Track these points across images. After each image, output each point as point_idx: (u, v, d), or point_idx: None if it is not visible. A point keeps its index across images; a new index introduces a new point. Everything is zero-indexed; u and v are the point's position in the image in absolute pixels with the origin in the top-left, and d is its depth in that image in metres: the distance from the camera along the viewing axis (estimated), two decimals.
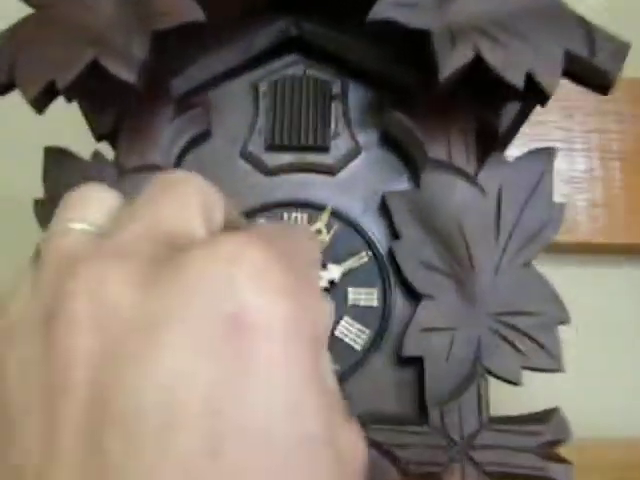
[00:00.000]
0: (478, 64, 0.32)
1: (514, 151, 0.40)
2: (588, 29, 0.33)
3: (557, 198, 0.46)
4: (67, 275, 0.19)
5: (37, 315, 0.19)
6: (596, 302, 0.58)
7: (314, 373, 0.19)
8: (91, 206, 0.22)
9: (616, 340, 0.59)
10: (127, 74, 0.32)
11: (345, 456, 0.20)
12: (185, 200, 0.21)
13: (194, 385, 0.17)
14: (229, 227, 0.24)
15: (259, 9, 0.38)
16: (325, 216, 0.36)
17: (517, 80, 0.32)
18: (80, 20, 0.34)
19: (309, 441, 0.18)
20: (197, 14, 0.33)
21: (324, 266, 0.35)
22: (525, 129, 0.41)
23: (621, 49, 0.33)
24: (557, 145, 0.56)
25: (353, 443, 0.21)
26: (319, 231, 0.35)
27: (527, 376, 0.35)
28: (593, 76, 0.33)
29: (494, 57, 0.32)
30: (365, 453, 0.22)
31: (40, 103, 0.33)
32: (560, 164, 0.57)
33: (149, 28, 0.33)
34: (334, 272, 0.35)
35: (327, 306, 0.21)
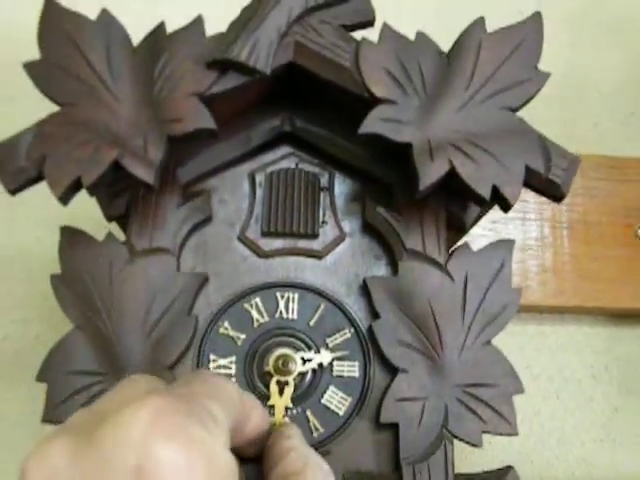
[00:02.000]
0: (452, 175, 0.38)
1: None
2: (545, 147, 0.39)
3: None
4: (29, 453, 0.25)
5: None
6: (543, 356, 0.64)
7: None
8: None
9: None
10: (146, 175, 0.37)
11: None
12: (126, 391, 0.28)
13: None
14: None
15: (255, 106, 0.43)
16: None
17: (484, 192, 0.37)
18: (102, 121, 0.38)
19: None
20: (208, 122, 0.38)
21: (318, 349, 0.40)
22: None
23: (573, 164, 0.39)
24: (512, 214, 0.62)
25: None
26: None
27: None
28: (549, 188, 0.39)
29: (466, 171, 0.37)
30: None
31: (66, 198, 0.37)
32: (516, 233, 0.63)
33: (164, 133, 0.37)
34: (326, 357, 0.40)
35: (223, 440, 0.26)
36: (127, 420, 0.24)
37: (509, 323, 0.57)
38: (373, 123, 0.38)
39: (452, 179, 0.38)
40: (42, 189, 0.38)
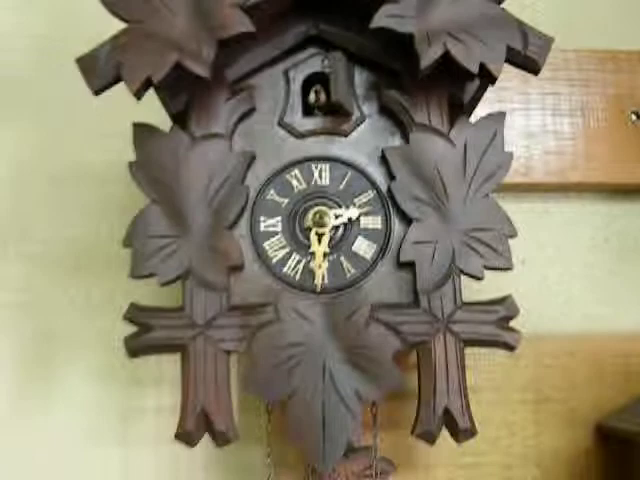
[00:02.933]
0: (447, 57, 0.46)
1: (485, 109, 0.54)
2: (523, 30, 0.47)
3: (516, 149, 0.60)
4: None
5: None
6: (549, 231, 0.73)
7: None
8: None
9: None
10: (202, 71, 0.46)
11: None
12: None
13: None
14: None
15: (286, 14, 0.52)
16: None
17: (473, 68, 0.46)
18: (163, 31, 0.47)
19: None
20: (248, 26, 0.46)
21: (347, 207, 0.50)
22: (490, 94, 0.55)
23: (546, 44, 0.47)
24: (517, 105, 0.71)
25: None
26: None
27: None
28: (527, 63, 0.48)
29: (457, 52, 0.46)
30: None
31: (139, 94, 0.47)
32: (519, 121, 0.72)
33: (214, 37, 0.47)
34: (353, 212, 0.50)
35: None
36: None
37: (517, 202, 0.67)
38: (381, 19, 0.47)
39: (447, 61, 0.46)
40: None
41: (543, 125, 0.72)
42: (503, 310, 0.49)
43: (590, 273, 0.73)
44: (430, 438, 0.48)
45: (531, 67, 0.48)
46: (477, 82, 0.51)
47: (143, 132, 0.51)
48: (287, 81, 0.53)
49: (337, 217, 0.50)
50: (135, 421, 0.68)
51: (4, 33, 0.74)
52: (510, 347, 0.49)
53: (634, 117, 0.73)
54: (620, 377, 0.68)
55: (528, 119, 0.72)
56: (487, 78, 0.47)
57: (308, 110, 0.53)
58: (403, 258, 0.49)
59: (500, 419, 0.66)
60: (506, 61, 0.47)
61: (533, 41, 0.47)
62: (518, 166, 0.70)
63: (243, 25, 0.47)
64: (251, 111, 0.52)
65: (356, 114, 0.52)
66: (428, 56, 0.46)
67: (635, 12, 0.79)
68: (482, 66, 0.46)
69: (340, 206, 0.51)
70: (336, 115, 0.52)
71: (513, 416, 0.66)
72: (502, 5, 0.48)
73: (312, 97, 0.53)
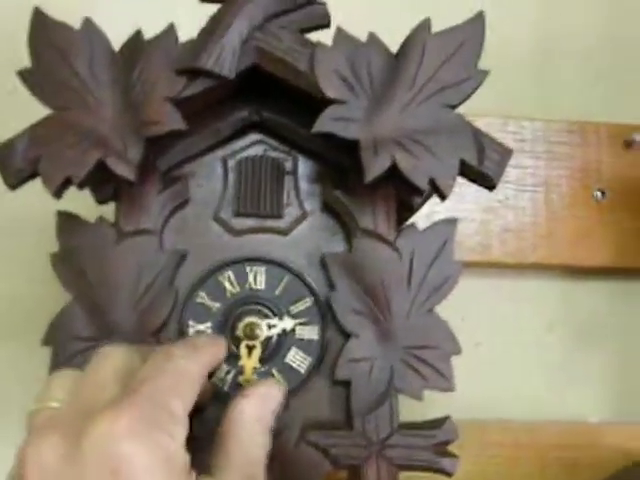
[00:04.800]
0: (394, 168, 0.43)
1: None
2: (480, 141, 0.44)
3: (474, 224, 0.57)
4: (27, 442, 0.32)
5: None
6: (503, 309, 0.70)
7: None
8: (59, 388, 0.36)
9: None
10: (126, 173, 0.42)
11: None
12: (101, 373, 0.35)
13: None
14: None
15: (224, 101, 0.48)
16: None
17: (421, 184, 0.42)
18: (88, 124, 0.43)
19: None
20: (179, 124, 0.43)
21: (282, 316, 0.47)
22: None
23: (504, 157, 0.44)
24: None
25: None
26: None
27: None
28: (481, 179, 0.44)
29: (405, 165, 0.42)
30: None
31: (59, 193, 0.43)
32: (479, 194, 0.69)
33: (142, 134, 0.43)
34: (288, 323, 0.46)
35: (181, 438, 0.32)
36: (105, 430, 0.30)
37: (473, 279, 0.64)
38: (324, 122, 0.43)
39: (395, 171, 0.43)
40: None
41: (505, 199, 0.69)
42: (441, 435, 0.46)
43: (544, 358, 0.70)
44: None
45: (485, 184, 0.45)
46: None
47: (67, 222, 0.47)
48: (225, 171, 0.49)
49: (270, 327, 0.46)
50: None
51: None
52: (447, 473, 0.46)
53: (599, 195, 0.70)
54: (565, 470, 0.65)
55: (488, 193, 0.68)
56: (437, 193, 0.44)
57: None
58: (338, 376, 0.46)
59: None
60: (459, 174, 0.44)
61: (490, 155, 0.44)
62: (475, 244, 0.67)
63: (174, 122, 0.43)
64: (184, 204, 0.48)
65: (297, 211, 0.49)
66: (374, 168, 0.42)
67: (603, 82, 0.76)
68: (431, 181, 0.43)
69: (275, 314, 0.47)
70: (276, 213, 0.48)
71: None
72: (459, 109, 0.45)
73: None
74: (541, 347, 0.71)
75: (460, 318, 0.66)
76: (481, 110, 0.61)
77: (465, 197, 0.68)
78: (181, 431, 0.33)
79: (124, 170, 0.42)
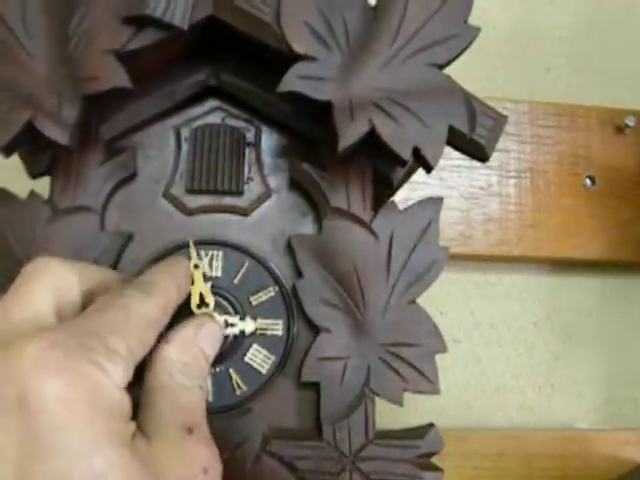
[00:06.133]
0: (373, 134, 0.37)
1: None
2: (471, 106, 0.38)
3: (455, 213, 0.52)
4: None
5: None
6: (486, 304, 0.65)
7: (103, 429, 0.26)
8: None
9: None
10: (60, 136, 0.36)
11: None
12: (34, 293, 0.30)
13: (4, 458, 0.24)
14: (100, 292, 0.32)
15: (179, 61, 0.42)
16: (192, 251, 0.40)
17: (404, 153, 0.37)
18: (16, 79, 0.37)
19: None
20: (124, 81, 0.36)
21: (242, 318, 0.40)
22: None
23: (498, 124, 0.38)
24: (459, 162, 0.62)
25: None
26: (195, 265, 0.39)
27: None
28: (472, 148, 0.38)
29: (386, 131, 0.37)
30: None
31: None
32: (462, 181, 0.63)
33: (79, 92, 0.36)
34: (249, 326, 0.40)
35: (118, 375, 0.27)
36: (15, 355, 0.26)
37: (453, 272, 0.58)
38: (292, 81, 0.37)
39: (373, 138, 0.37)
40: None
41: (488, 186, 0.63)
42: (424, 446, 0.40)
43: (529, 356, 0.65)
44: None
45: (476, 154, 0.39)
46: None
47: None
48: (178, 141, 0.43)
49: (229, 326, 0.40)
50: None
51: None
52: None
53: (589, 182, 0.65)
54: None
55: (471, 179, 0.63)
56: (422, 165, 0.38)
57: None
58: (305, 377, 0.40)
59: None
60: (447, 143, 0.38)
61: (482, 121, 0.38)
62: (455, 234, 0.61)
63: (118, 78, 0.37)
64: (131, 177, 0.42)
65: (259, 188, 0.43)
66: (349, 135, 0.36)
67: (593, 66, 0.71)
68: (416, 150, 0.37)
69: (233, 306, 0.41)
70: (236, 189, 0.42)
71: None
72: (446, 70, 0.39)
73: None
74: (526, 346, 0.66)
75: (439, 313, 0.60)
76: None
77: (446, 183, 0.62)
78: (119, 371, 0.28)
79: (56, 133, 0.36)
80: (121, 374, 0.27)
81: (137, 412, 0.30)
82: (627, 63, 0.72)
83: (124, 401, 0.28)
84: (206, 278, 0.41)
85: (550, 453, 0.61)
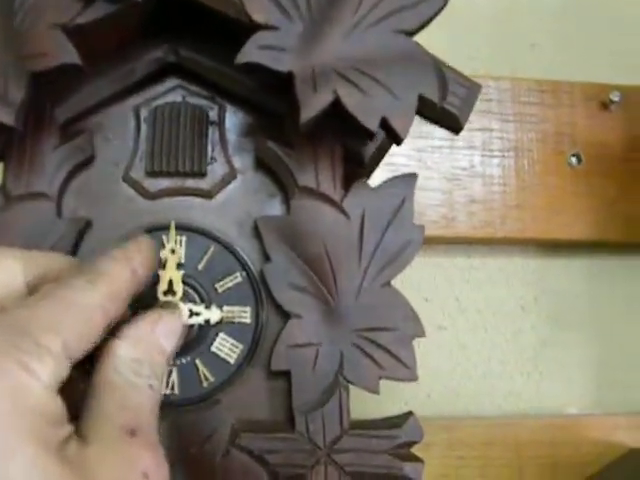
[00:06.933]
0: (337, 106, 0.35)
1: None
2: (442, 74, 0.36)
3: (437, 194, 0.50)
4: None
5: None
6: (472, 289, 0.63)
7: (25, 433, 0.24)
8: None
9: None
10: (6, 117, 0.34)
11: None
12: None
13: None
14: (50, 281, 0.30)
15: (136, 38, 0.40)
16: (172, 233, 0.38)
17: (372, 125, 0.35)
18: None
19: None
20: (72, 57, 0.35)
21: (207, 306, 0.38)
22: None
23: (472, 93, 0.37)
24: (440, 143, 0.60)
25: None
26: (172, 251, 0.37)
27: None
28: (444, 118, 0.37)
29: (351, 101, 0.35)
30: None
31: None
32: (442, 162, 0.61)
33: (25, 69, 0.34)
34: (214, 315, 0.38)
35: (46, 374, 0.25)
36: None
37: (436, 256, 0.56)
38: (251, 51, 0.35)
39: (339, 110, 0.35)
40: None
41: (470, 167, 0.61)
42: (403, 435, 0.39)
43: (516, 341, 0.63)
44: None
45: (449, 124, 0.37)
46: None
47: None
48: (137, 123, 0.41)
49: (193, 315, 0.37)
50: None
51: None
52: None
53: (574, 160, 0.63)
54: (543, 470, 0.58)
55: (452, 160, 0.61)
56: (390, 136, 0.36)
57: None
58: (275, 365, 0.38)
59: None
60: (417, 113, 0.36)
61: (454, 89, 0.36)
62: (438, 217, 0.59)
63: (66, 55, 0.35)
64: (89, 161, 0.40)
65: (224, 169, 0.41)
66: (312, 106, 0.35)
67: (577, 42, 0.70)
68: (384, 121, 0.35)
69: (198, 293, 0.39)
70: (198, 171, 0.40)
71: None
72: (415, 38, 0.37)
73: None
74: (513, 331, 0.64)
75: (423, 299, 0.58)
76: None
77: (426, 163, 0.60)
78: (48, 370, 0.25)
79: (3, 115, 0.34)
80: (50, 374, 0.25)
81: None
82: (610, 39, 0.71)
83: (52, 403, 0.26)
84: None
85: (540, 440, 0.59)
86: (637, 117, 0.65)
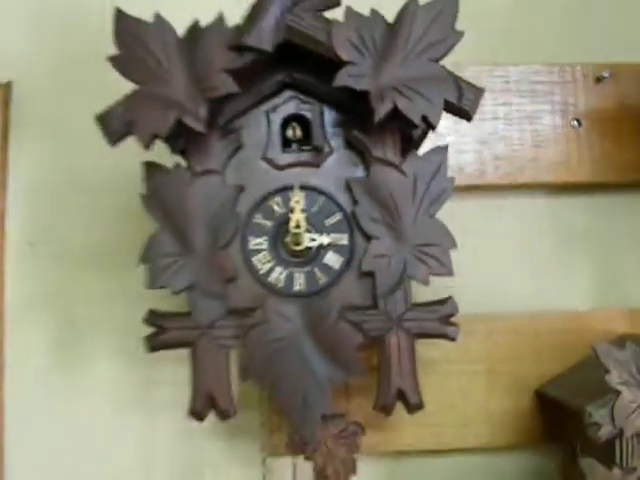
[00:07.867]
0: (396, 109, 0.57)
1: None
2: (459, 85, 0.58)
3: (471, 154, 0.72)
4: None
5: None
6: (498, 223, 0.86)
7: None
8: None
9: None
10: (199, 127, 0.57)
11: None
12: None
13: None
14: None
15: (265, 68, 0.63)
16: (296, 191, 0.60)
17: (416, 120, 0.57)
18: (165, 92, 0.58)
19: None
20: (233, 88, 0.57)
21: (320, 235, 0.62)
22: None
23: (477, 95, 0.58)
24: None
25: None
26: (297, 201, 0.60)
27: None
28: (460, 113, 0.59)
29: (404, 106, 0.57)
30: None
31: (149, 146, 0.58)
32: (474, 128, 0.83)
33: (206, 97, 0.58)
34: (325, 240, 0.61)
35: None
36: None
37: (473, 199, 0.78)
38: (341, 78, 0.57)
39: (396, 112, 0.58)
40: None
41: (495, 132, 0.83)
42: (445, 309, 0.61)
43: (536, 260, 0.85)
44: (387, 411, 0.61)
45: (465, 116, 0.59)
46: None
47: (151, 169, 0.62)
48: (268, 121, 0.64)
49: (312, 240, 0.61)
50: (155, 392, 0.82)
51: (21, 53, 0.85)
52: (451, 338, 0.61)
53: (576, 123, 0.84)
54: (557, 351, 0.80)
55: (482, 128, 0.83)
56: (428, 126, 0.59)
57: (287, 143, 0.64)
58: (364, 268, 0.61)
59: (456, 387, 0.79)
60: (444, 110, 0.58)
61: (467, 95, 0.58)
62: (472, 170, 0.81)
63: (230, 87, 0.57)
64: (239, 148, 0.63)
65: (326, 148, 0.63)
66: (380, 111, 0.57)
67: (576, 27, 0.90)
68: (424, 117, 0.57)
69: (314, 226, 0.62)
70: (310, 150, 0.63)
71: (467, 384, 0.79)
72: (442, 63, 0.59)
73: (290, 133, 0.65)
74: (532, 253, 0.85)
75: (462, 229, 0.80)
76: (471, 59, 0.78)
77: (463, 132, 0.82)
78: None
79: (197, 125, 0.57)
80: None
81: None
82: (604, 22, 0.90)
83: None
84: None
85: (555, 328, 0.80)
86: (625, 88, 0.84)
